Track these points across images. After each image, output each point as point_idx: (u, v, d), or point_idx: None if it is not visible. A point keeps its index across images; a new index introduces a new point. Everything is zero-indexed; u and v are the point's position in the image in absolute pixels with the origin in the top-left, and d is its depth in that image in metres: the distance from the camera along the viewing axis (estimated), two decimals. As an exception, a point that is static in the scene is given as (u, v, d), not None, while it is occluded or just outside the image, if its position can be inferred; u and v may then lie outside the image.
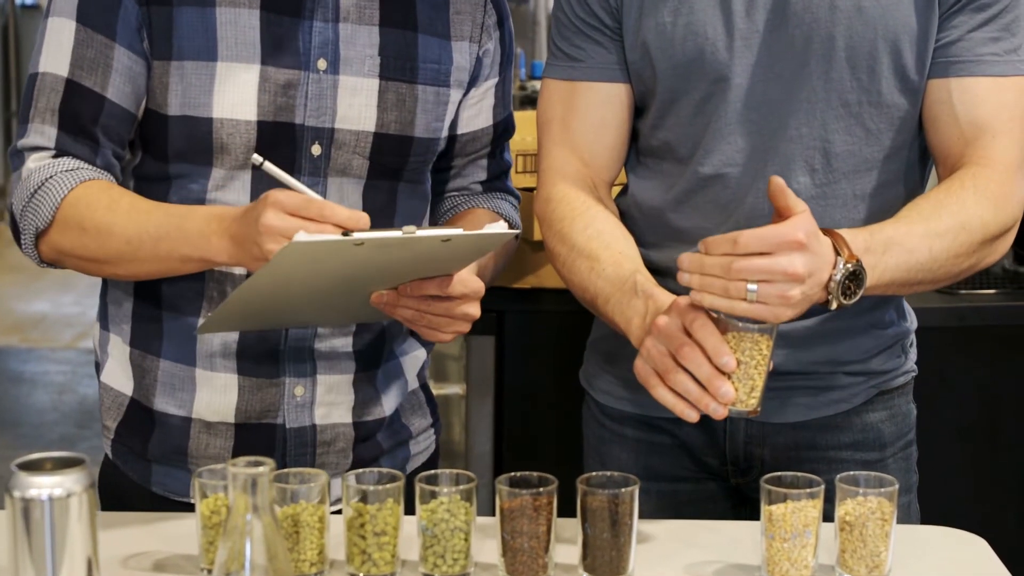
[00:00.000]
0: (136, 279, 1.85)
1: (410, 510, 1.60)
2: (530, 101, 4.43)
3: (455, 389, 3.01)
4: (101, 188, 1.79)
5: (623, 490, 1.56)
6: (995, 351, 3.02)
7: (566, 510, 1.59)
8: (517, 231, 1.70)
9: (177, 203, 1.82)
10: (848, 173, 1.82)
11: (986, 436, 3.02)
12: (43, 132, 1.81)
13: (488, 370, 2.95)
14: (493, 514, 1.58)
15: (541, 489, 1.55)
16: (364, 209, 1.87)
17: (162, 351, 1.89)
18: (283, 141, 1.82)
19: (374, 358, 1.94)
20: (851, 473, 1.61)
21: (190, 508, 1.67)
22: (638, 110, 1.91)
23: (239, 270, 1.83)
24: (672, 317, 1.59)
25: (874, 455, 1.91)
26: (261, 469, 1.30)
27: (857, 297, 1.61)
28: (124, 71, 1.80)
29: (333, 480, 1.83)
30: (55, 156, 1.81)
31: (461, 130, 1.98)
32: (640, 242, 1.91)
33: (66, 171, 1.78)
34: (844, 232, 1.62)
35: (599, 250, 1.79)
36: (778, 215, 1.58)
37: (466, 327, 1.78)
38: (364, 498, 1.57)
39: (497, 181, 2.07)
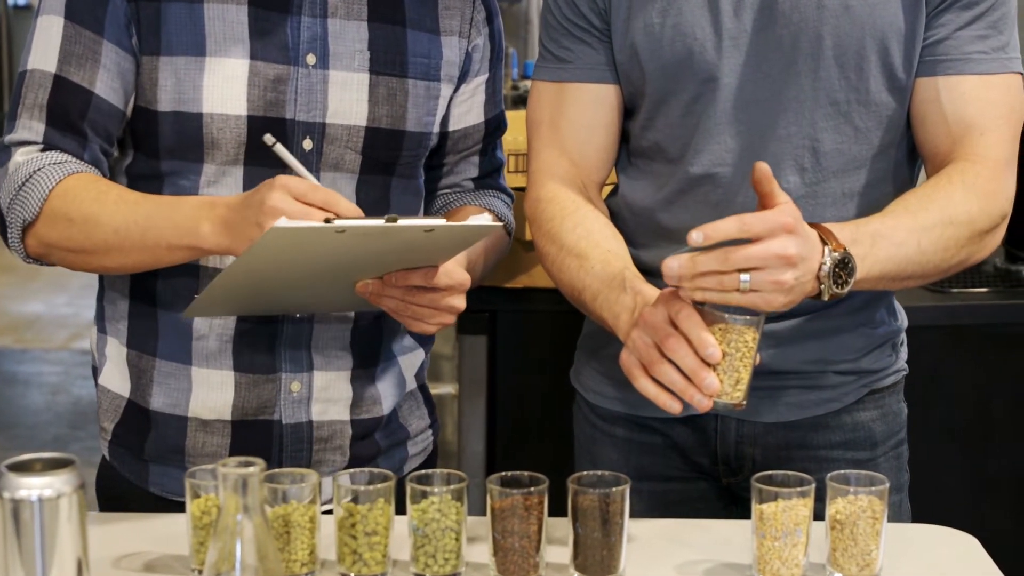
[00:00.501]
0: (123, 271, 1.85)
1: (402, 510, 1.60)
2: (522, 100, 4.43)
3: (448, 389, 3.01)
4: (89, 180, 1.80)
5: (614, 489, 1.56)
6: (987, 350, 3.02)
7: (559, 509, 1.59)
8: (501, 223, 1.70)
9: None
10: (837, 172, 1.82)
11: (978, 435, 3.03)
12: (31, 127, 1.82)
13: (480, 370, 2.95)
14: (485, 514, 1.59)
15: (532, 489, 1.56)
16: (357, 204, 1.87)
17: (158, 350, 1.89)
18: (274, 136, 1.82)
19: (371, 356, 1.95)
20: (842, 472, 1.61)
21: (188, 508, 1.67)
22: (628, 111, 1.91)
23: (233, 265, 1.83)
24: (658, 308, 1.59)
25: (865, 454, 1.91)
26: (251, 469, 1.30)
27: (849, 287, 1.61)
28: (112, 67, 1.81)
29: (325, 480, 1.83)
30: (43, 150, 1.81)
31: (452, 127, 1.99)
32: (630, 242, 1.91)
33: (54, 164, 1.79)
34: (830, 225, 1.63)
35: (588, 248, 1.79)
36: (761, 204, 1.57)
37: (451, 319, 1.78)
38: (355, 498, 1.57)
39: (489, 179, 2.08)
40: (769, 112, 1.80)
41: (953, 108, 1.79)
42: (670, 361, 1.57)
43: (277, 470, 1.61)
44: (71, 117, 1.81)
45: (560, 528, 1.61)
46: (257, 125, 1.81)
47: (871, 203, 1.83)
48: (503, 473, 1.58)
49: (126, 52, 1.81)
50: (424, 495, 1.56)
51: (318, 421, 1.91)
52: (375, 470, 1.61)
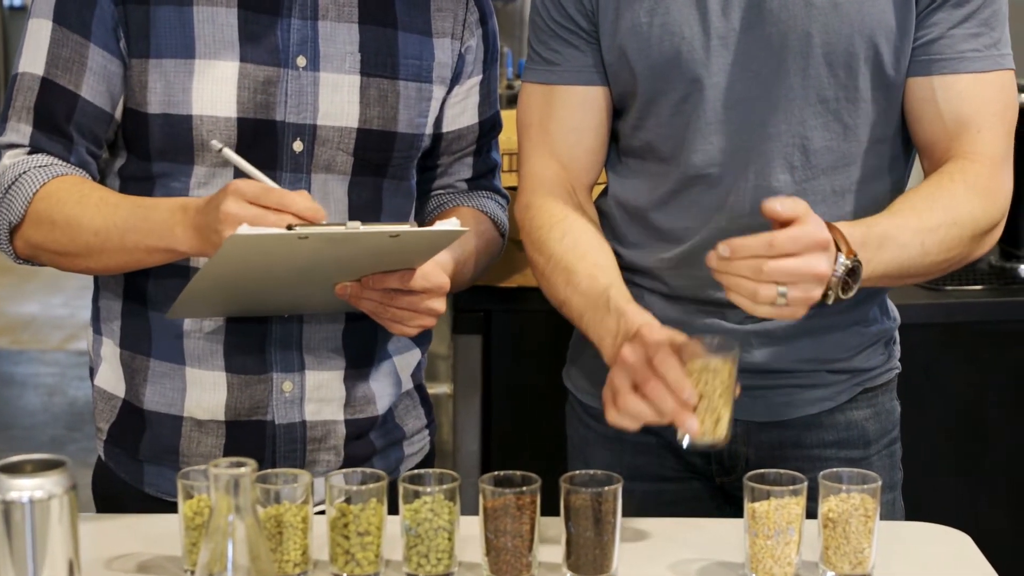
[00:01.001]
0: (108, 272, 1.86)
1: (395, 510, 1.59)
2: (517, 100, 4.43)
3: (443, 388, 3.01)
4: (73, 183, 1.80)
5: (606, 488, 1.56)
6: (981, 347, 3.02)
7: (553, 508, 1.59)
8: (467, 229, 1.69)
9: None
10: (827, 169, 1.82)
11: (972, 432, 3.03)
12: (18, 130, 1.83)
13: (475, 369, 2.95)
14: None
15: (524, 488, 1.56)
16: (350, 206, 1.88)
17: (151, 350, 1.89)
18: (264, 138, 1.82)
19: (365, 355, 1.94)
20: (834, 470, 1.61)
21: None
22: (617, 111, 1.91)
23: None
24: (636, 348, 1.59)
25: (858, 453, 1.91)
26: (243, 470, 1.30)
27: (853, 292, 1.60)
28: (98, 70, 1.81)
29: (317, 480, 1.82)
30: (30, 153, 1.82)
31: (446, 128, 1.99)
32: (622, 242, 1.91)
33: (39, 167, 1.80)
34: (842, 226, 1.62)
35: (575, 262, 1.79)
36: (779, 224, 1.56)
37: (431, 322, 1.79)
38: (348, 498, 1.57)
39: (483, 179, 2.07)
40: (758, 111, 1.80)
41: (949, 107, 1.79)
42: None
43: (269, 470, 1.61)
44: (57, 120, 1.82)
45: (554, 527, 1.61)
46: (247, 127, 1.81)
47: (865, 200, 1.83)
48: (495, 472, 1.58)
49: (113, 55, 1.81)
50: (416, 495, 1.56)
51: (311, 421, 1.91)
52: (367, 470, 1.61)
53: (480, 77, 2.00)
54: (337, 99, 1.86)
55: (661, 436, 1.92)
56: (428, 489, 1.57)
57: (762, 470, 1.61)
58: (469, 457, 2.97)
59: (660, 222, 1.87)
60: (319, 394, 1.91)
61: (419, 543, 1.57)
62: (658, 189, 1.87)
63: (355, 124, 1.87)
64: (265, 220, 1.61)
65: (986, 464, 3.03)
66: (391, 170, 1.92)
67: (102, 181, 1.89)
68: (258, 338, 1.87)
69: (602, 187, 2.00)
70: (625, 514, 1.59)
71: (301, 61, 1.84)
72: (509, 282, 2.83)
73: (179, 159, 1.83)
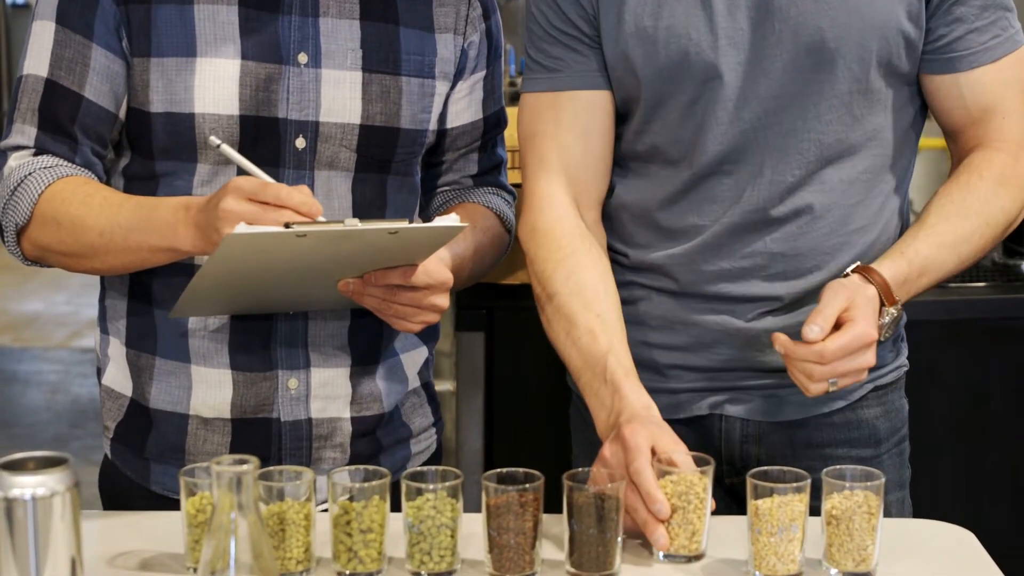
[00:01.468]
0: (113, 272, 1.86)
1: (398, 507, 1.59)
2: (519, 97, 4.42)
3: (446, 385, 3.00)
4: (77, 184, 1.80)
5: (609, 486, 1.56)
6: (985, 344, 3.02)
7: (557, 506, 1.58)
8: (466, 224, 1.69)
9: None
10: (837, 160, 1.82)
11: (975, 429, 3.03)
12: (24, 131, 1.83)
13: (478, 366, 2.95)
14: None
15: (527, 485, 1.55)
16: (353, 202, 1.88)
17: (157, 348, 1.89)
18: (266, 135, 1.82)
19: (371, 353, 1.94)
20: (837, 467, 1.61)
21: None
22: (619, 117, 1.89)
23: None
24: (616, 451, 1.65)
25: (869, 452, 1.91)
26: (245, 467, 1.30)
27: (893, 333, 1.80)
28: (102, 70, 1.81)
29: (321, 479, 1.82)
30: (35, 154, 1.83)
31: (450, 124, 1.98)
32: (628, 243, 1.91)
33: (44, 168, 1.80)
34: (885, 271, 1.73)
35: (577, 312, 1.80)
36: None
37: (434, 318, 1.79)
38: (351, 496, 1.57)
39: (489, 176, 2.07)
40: (773, 108, 1.79)
41: (975, 99, 1.84)
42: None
43: (272, 468, 1.61)
44: (61, 121, 1.82)
45: (557, 525, 1.60)
46: (249, 124, 1.81)
47: (874, 190, 1.84)
48: (498, 470, 1.58)
49: (116, 55, 1.82)
50: (419, 492, 1.56)
51: (317, 419, 1.91)
52: (371, 467, 1.61)
53: (484, 73, 2.00)
54: (339, 95, 1.85)
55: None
56: (431, 486, 1.57)
57: (765, 467, 1.60)
58: (472, 454, 2.97)
59: (668, 221, 1.87)
60: (325, 391, 1.91)
61: (422, 540, 1.57)
62: (665, 189, 1.87)
63: (358, 120, 1.86)
64: (263, 216, 1.61)
65: (989, 461, 3.03)
66: (395, 166, 1.92)
67: (107, 181, 1.89)
68: (263, 336, 1.87)
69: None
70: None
71: (302, 58, 1.84)
72: (512, 279, 2.83)
73: (182, 157, 1.83)
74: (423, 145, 1.95)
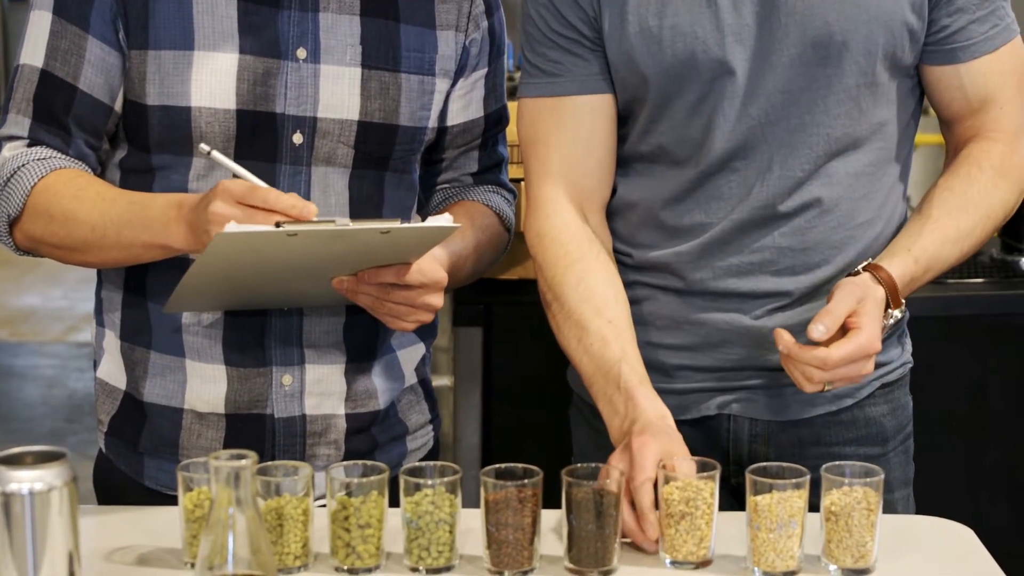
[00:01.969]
0: (106, 266, 1.87)
1: (396, 503, 1.59)
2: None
3: (443, 381, 3.00)
4: (70, 176, 1.80)
5: (607, 481, 1.55)
6: (983, 340, 3.02)
7: (554, 501, 1.58)
8: (459, 225, 1.68)
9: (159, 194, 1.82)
10: (842, 153, 1.82)
11: (974, 425, 3.03)
12: (18, 122, 1.83)
13: (476, 362, 2.95)
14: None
15: (526, 481, 1.55)
16: (351, 199, 1.87)
17: (151, 343, 1.89)
18: (263, 130, 1.82)
19: (367, 349, 1.94)
20: (836, 463, 1.61)
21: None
22: (622, 118, 1.88)
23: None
24: (624, 460, 1.65)
25: (876, 450, 1.90)
26: (244, 462, 1.30)
27: (894, 333, 1.87)
28: (97, 62, 1.81)
29: (318, 475, 1.82)
30: (29, 145, 1.83)
31: (451, 121, 1.97)
32: (632, 244, 1.90)
33: (38, 160, 1.80)
34: (895, 271, 1.74)
35: (588, 318, 1.79)
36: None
37: (428, 317, 1.78)
38: (348, 491, 1.56)
39: (489, 174, 2.06)
40: (781, 104, 1.79)
41: (975, 89, 1.85)
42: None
43: (270, 463, 1.61)
44: (55, 112, 1.82)
45: (556, 520, 1.60)
46: (246, 119, 1.81)
47: (877, 182, 1.85)
48: (497, 465, 1.58)
49: (112, 47, 1.81)
50: (418, 487, 1.56)
51: (311, 415, 1.90)
52: (368, 463, 1.60)
53: (486, 70, 1.99)
54: (338, 91, 1.85)
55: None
56: (429, 482, 1.56)
57: (764, 463, 1.60)
58: (470, 450, 2.97)
59: (673, 220, 1.86)
60: (319, 388, 1.91)
61: (420, 536, 1.56)
62: (670, 188, 1.86)
63: (356, 117, 1.86)
64: (252, 220, 1.61)
65: (988, 457, 3.03)
66: (393, 163, 1.91)
67: (103, 173, 1.89)
68: (257, 332, 1.87)
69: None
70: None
71: (301, 53, 1.83)
72: (510, 274, 2.83)
73: (178, 151, 1.83)
74: (422, 142, 1.94)
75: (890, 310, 1.73)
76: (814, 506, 1.59)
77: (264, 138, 1.82)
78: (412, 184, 1.97)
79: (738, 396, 1.89)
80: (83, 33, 1.81)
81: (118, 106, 1.84)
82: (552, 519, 1.62)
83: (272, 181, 1.79)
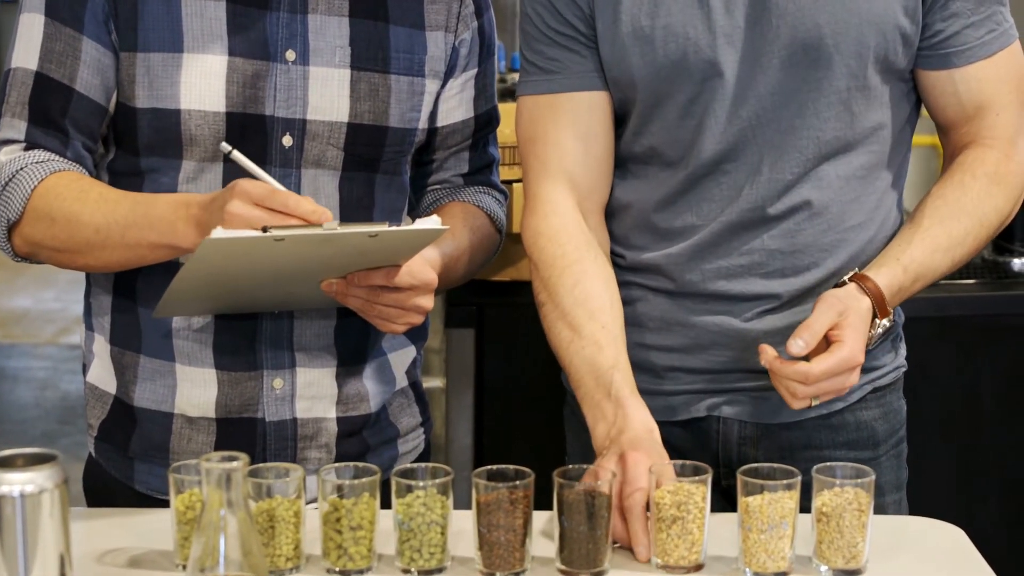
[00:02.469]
0: (108, 269, 1.85)
1: (388, 505, 1.59)
2: (510, 94, 4.41)
3: (435, 383, 3.01)
4: (71, 179, 1.79)
5: (599, 483, 1.56)
6: (975, 341, 3.03)
7: (546, 503, 1.58)
8: (447, 228, 1.68)
9: None
10: (834, 156, 1.82)
11: (966, 426, 3.03)
12: (14, 126, 1.82)
13: (468, 363, 2.95)
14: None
15: (517, 482, 1.55)
16: (341, 201, 1.87)
17: (141, 347, 1.88)
18: (253, 132, 1.81)
19: (358, 353, 1.93)
20: (828, 464, 1.61)
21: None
22: (616, 119, 1.88)
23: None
24: (616, 471, 1.64)
25: (867, 454, 1.90)
26: (235, 464, 1.30)
27: (884, 340, 1.86)
28: (92, 63, 1.80)
29: (310, 477, 1.82)
30: (26, 149, 1.81)
31: (441, 122, 1.97)
32: (624, 244, 1.90)
33: (36, 163, 1.79)
34: (882, 280, 1.74)
35: (582, 322, 1.79)
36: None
37: (418, 319, 1.78)
38: (340, 492, 1.56)
39: (480, 175, 2.05)
40: (772, 106, 1.79)
41: (969, 95, 1.84)
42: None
43: (262, 465, 1.61)
44: (52, 114, 1.81)
45: (548, 522, 1.60)
46: (236, 121, 1.81)
47: (870, 186, 1.84)
48: (489, 467, 1.58)
49: (106, 48, 1.81)
50: (409, 489, 1.56)
51: (303, 419, 1.90)
52: (360, 464, 1.60)
53: (475, 71, 1.99)
54: (327, 93, 1.85)
55: (665, 440, 1.90)
56: (421, 483, 1.56)
57: (755, 464, 1.60)
58: (462, 451, 2.97)
59: (665, 222, 1.86)
60: (310, 391, 1.90)
61: (412, 537, 1.56)
62: (662, 190, 1.86)
63: (345, 119, 1.86)
64: (270, 223, 1.60)
65: (980, 458, 3.03)
66: (383, 165, 1.91)
67: (95, 176, 1.88)
68: (248, 335, 1.87)
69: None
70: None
71: (290, 55, 1.83)
72: (502, 276, 2.83)
73: (167, 154, 1.82)
74: (412, 144, 1.94)
75: (877, 320, 1.73)
76: (804, 509, 1.59)
77: (253, 141, 1.81)
78: (403, 186, 1.97)
79: (728, 398, 1.89)
80: (78, 34, 1.80)
81: (111, 108, 1.83)
82: (544, 520, 1.62)
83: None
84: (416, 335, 2.02)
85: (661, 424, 1.83)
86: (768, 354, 1.71)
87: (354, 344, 1.93)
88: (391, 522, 1.58)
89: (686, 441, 1.90)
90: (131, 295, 1.88)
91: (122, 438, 1.91)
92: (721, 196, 1.83)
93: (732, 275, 1.84)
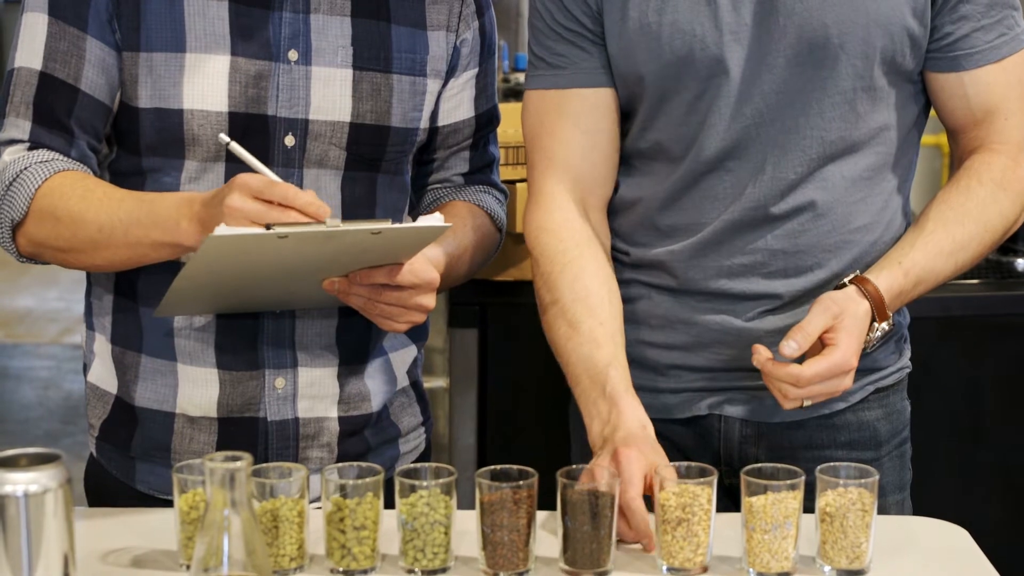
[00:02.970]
0: (111, 268, 1.85)
1: (391, 504, 1.59)
2: (513, 93, 4.42)
3: (439, 382, 3.00)
4: (75, 178, 1.79)
5: (603, 483, 1.55)
6: (978, 341, 3.02)
7: (551, 503, 1.58)
8: (449, 225, 1.68)
9: None
10: (839, 157, 1.82)
11: (969, 426, 3.03)
12: (18, 125, 1.82)
13: (471, 363, 2.95)
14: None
15: (521, 482, 1.55)
16: (343, 201, 1.87)
17: (142, 347, 1.88)
18: (255, 132, 1.81)
19: (359, 352, 1.94)
20: (831, 464, 1.61)
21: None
22: (623, 115, 1.88)
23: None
24: (610, 469, 1.65)
25: (870, 454, 1.90)
26: (239, 464, 1.29)
27: (884, 343, 1.84)
28: (97, 62, 1.80)
29: (314, 477, 1.82)
30: (30, 148, 1.81)
31: (442, 122, 1.97)
32: (628, 241, 1.90)
33: (40, 162, 1.79)
34: (882, 284, 1.74)
35: (581, 318, 1.79)
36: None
37: (420, 318, 1.78)
38: (344, 492, 1.56)
39: (480, 174, 2.06)
40: (776, 104, 1.79)
41: (978, 99, 1.83)
42: None
43: (265, 465, 1.61)
44: (57, 114, 1.81)
45: (552, 521, 1.60)
46: (238, 121, 1.81)
47: (876, 188, 1.84)
48: (492, 467, 1.58)
49: (110, 47, 1.81)
50: (413, 489, 1.56)
51: (304, 418, 1.90)
52: (364, 464, 1.60)
53: (476, 70, 1.99)
54: (329, 93, 1.85)
55: (667, 438, 1.90)
56: (424, 483, 1.56)
57: (759, 464, 1.60)
58: (465, 451, 2.97)
59: (669, 219, 1.86)
60: (312, 391, 1.90)
61: (415, 537, 1.56)
62: (666, 187, 1.86)
63: (348, 118, 1.86)
64: (268, 215, 1.60)
65: (983, 458, 3.03)
66: (385, 165, 1.91)
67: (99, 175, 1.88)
68: (249, 335, 1.87)
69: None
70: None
71: (293, 55, 1.83)
72: (505, 276, 2.83)
73: (170, 154, 1.82)
74: (414, 143, 1.94)
75: (876, 324, 1.73)
76: (808, 509, 1.59)
77: (256, 140, 1.81)
78: (404, 185, 1.97)
79: (728, 397, 1.89)
80: (82, 34, 1.80)
81: (115, 107, 1.84)
82: (548, 520, 1.62)
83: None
84: (417, 335, 2.02)
85: (663, 422, 1.84)
86: (761, 355, 1.71)
87: (356, 343, 1.93)
88: (395, 522, 1.58)
89: (688, 439, 1.91)
90: (132, 294, 1.88)
91: (123, 438, 1.91)
92: (724, 194, 1.83)
93: (734, 274, 1.84)
